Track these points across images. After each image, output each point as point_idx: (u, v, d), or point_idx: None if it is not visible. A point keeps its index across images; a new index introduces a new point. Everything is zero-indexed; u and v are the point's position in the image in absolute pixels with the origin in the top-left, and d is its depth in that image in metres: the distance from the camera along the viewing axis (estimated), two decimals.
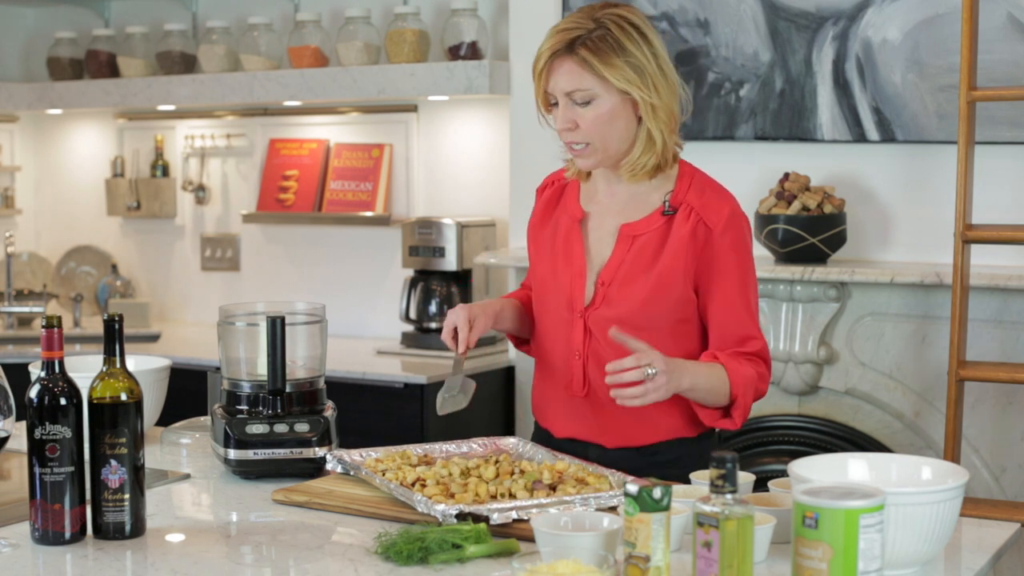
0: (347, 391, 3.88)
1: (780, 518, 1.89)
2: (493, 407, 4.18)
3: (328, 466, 2.33)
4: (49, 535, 1.99)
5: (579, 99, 2.29)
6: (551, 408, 2.49)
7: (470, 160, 4.55)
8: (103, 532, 2.01)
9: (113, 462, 2.00)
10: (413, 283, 4.34)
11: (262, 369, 2.46)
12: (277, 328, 2.40)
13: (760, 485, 2.17)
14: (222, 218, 5.08)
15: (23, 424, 2.02)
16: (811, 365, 3.69)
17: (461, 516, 1.97)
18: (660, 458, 2.39)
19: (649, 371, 2.15)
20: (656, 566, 1.67)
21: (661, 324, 2.35)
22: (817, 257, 3.64)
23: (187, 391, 3.10)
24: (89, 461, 2.01)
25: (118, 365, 2.01)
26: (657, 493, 1.67)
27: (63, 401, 1.98)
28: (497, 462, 2.27)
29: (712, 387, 2.29)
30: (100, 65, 5.02)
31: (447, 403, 2.40)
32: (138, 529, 2.03)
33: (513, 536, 1.96)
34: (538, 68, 2.32)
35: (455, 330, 2.41)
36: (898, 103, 3.63)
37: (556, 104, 2.34)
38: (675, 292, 2.34)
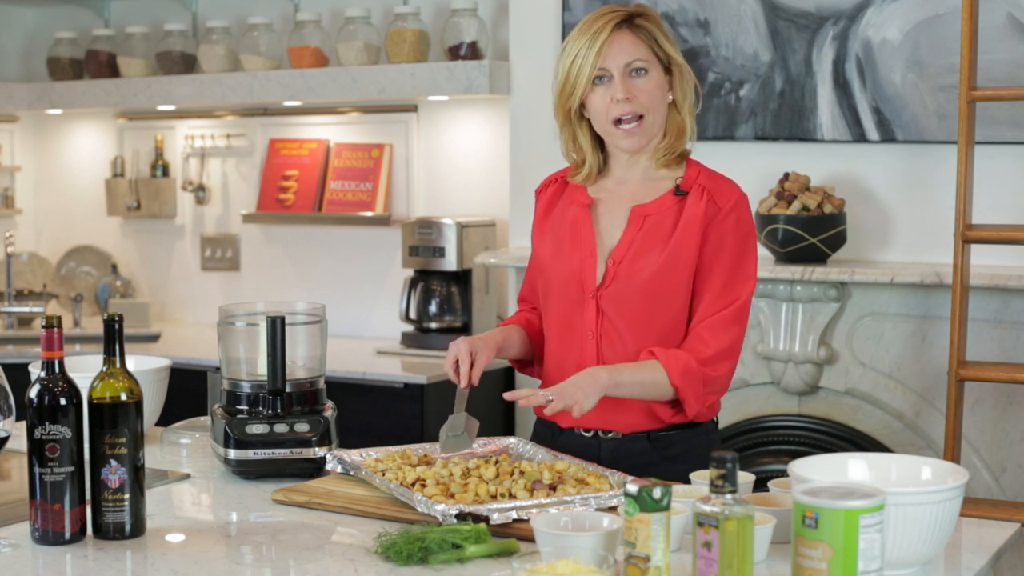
0: (347, 391, 3.88)
1: (780, 518, 1.89)
2: (493, 407, 4.17)
3: (328, 466, 2.33)
4: (49, 535, 1.98)
5: (637, 69, 2.38)
6: None
7: (470, 160, 4.55)
8: (103, 532, 2.01)
9: (113, 462, 2.00)
10: (413, 283, 4.34)
11: (262, 369, 2.46)
12: (277, 328, 2.40)
13: (760, 485, 2.17)
14: (222, 218, 5.08)
15: (23, 424, 2.02)
16: (811, 365, 3.69)
17: (461, 516, 1.97)
18: (672, 451, 2.41)
19: (550, 397, 2.26)
20: (656, 566, 1.67)
21: (671, 304, 2.38)
22: (817, 257, 3.64)
23: (187, 391, 3.10)
24: (89, 461, 2.01)
25: (118, 365, 2.01)
26: (657, 493, 1.67)
27: (63, 401, 1.98)
28: (497, 462, 2.27)
29: (644, 379, 2.33)
30: (100, 65, 5.02)
31: (450, 442, 2.36)
32: (138, 529, 2.03)
33: (513, 536, 1.96)
34: (598, 43, 2.37)
35: (456, 362, 2.41)
36: (898, 103, 3.63)
37: (602, 81, 2.39)
38: (684, 271, 2.38)
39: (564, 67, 2.42)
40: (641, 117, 2.39)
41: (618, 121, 2.39)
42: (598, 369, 2.31)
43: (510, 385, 4.22)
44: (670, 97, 2.43)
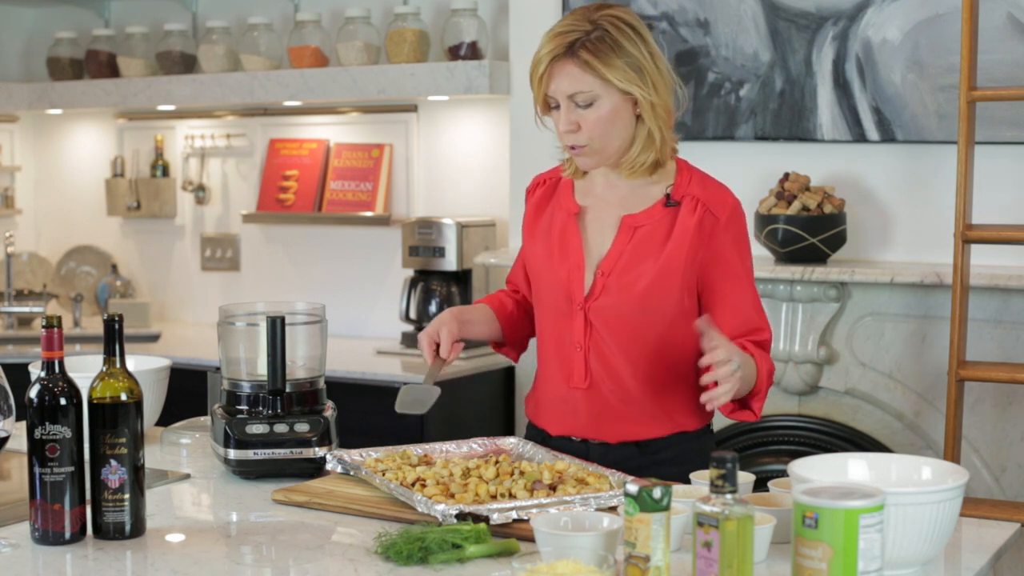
0: (347, 391, 3.88)
1: (780, 518, 1.89)
2: (493, 407, 4.17)
3: (328, 466, 2.33)
4: (49, 535, 1.99)
5: (581, 101, 2.30)
6: (548, 406, 2.49)
7: (470, 160, 4.55)
8: (103, 532, 2.01)
9: (113, 462, 2.00)
10: (413, 283, 4.34)
11: (262, 369, 2.45)
12: (277, 328, 2.40)
13: (760, 485, 2.17)
14: (222, 218, 5.08)
15: (23, 424, 2.02)
16: (811, 365, 3.68)
17: (461, 516, 1.97)
18: (661, 456, 2.40)
19: (734, 368, 2.13)
20: (656, 566, 1.67)
21: (661, 317, 2.36)
22: (817, 257, 3.64)
23: (187, 391, 3.10)
24: (89, 461, 2.01)
25: (118, 365, 2.01)
26: (657, 493, 1.67)
27: (63, 401, 1.98)
28: (497, 462, 2.27)
29: (747, 375, 2.28)
30: (100, 65, 5.03)
31: (405, 404, 2.37)
32: (138, 529, 2.03)
33: (513, 536, 1.96)
34: (538, 73, 2.32)
35: (436, 342, 2.42)
36: (898, 103, 3.63)
37: (556, 107, 2.34)
38: (676, 283, 2.35)
39: (529, 71, 2.37)
40: (588, 144, 2.33)
41: (570, 145, 2.35)
42: (737, 357, 2.21)
43: (510, 385, 4.21)
44: (637, 111, 2.33)
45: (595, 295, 2.38)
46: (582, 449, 2.43)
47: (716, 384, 2.16)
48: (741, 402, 2.36)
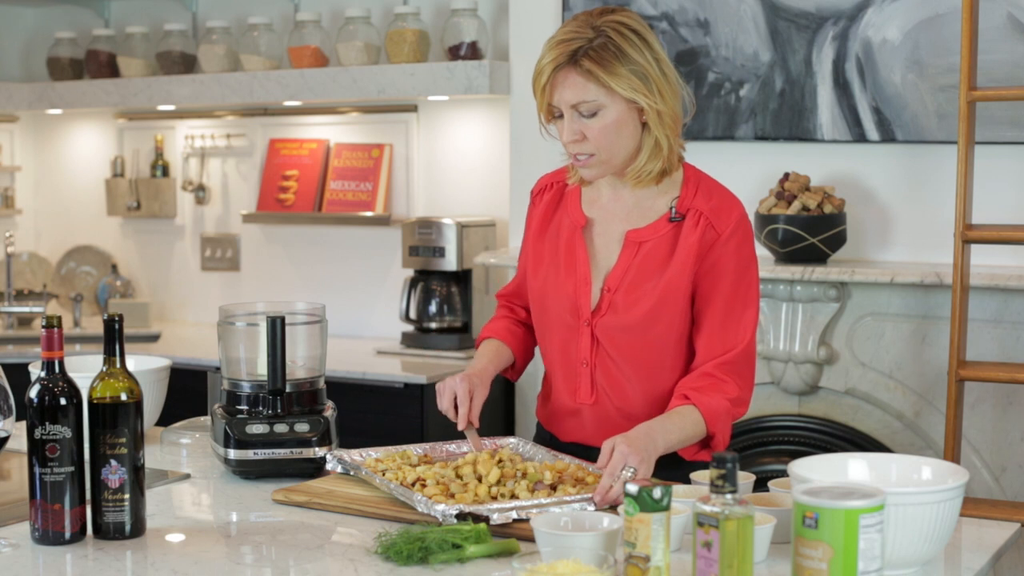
0: (347, 391, 3.88)
1: (780, 518, 1.89)
2: (493, 407, 4.17)
3: (328, 466, 2.33)
4: (49, 535, 1.99)
5: (585, 111, 2.25)
6: (557, 415, 2.47)
7: (470, 160, 4.55)
8: (103, 532, 2.01)
9: (113, 462, 2.00)
10: (413, 283, 4.34)
11: (262, 369, 2.46)
12: (277, 328, 2.40)
13: (760, 485, 2.17)
14: (222, 218, 5.08)
15: (23, 424, 2.02)
16: (811, 365, 3.68)
17: (461, 516, 1.98)
18: (663, 457, 2.39)
19: (627, 473, 2.08)
20: (656, 566, 1.67)
21: (667, 334, 2.33)
22: (817, 257, 3.64)
23: (187, 391, 3.10)
24: (89, 461, 2.01)
25: (118, 365, 2.01)
26: (657, 493, 1.67)
27: (63, 401, 1.98)
28: (500, 461, 2.26)
29: (688, 436, 2.25)
30: (100, 65, 5.03)
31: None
32: (138, 529, 2.03)
33: (513, 536, 1.96)
34: (541, 82, 2.26)
35: (455, 402, 2.39)
36: (898, 103, 3.63)
37: (560, 116, 2.29)
38: (681, 300, 2.31)
39: (532, 80, 2.32)
40: (594, 154, 2.28)
41: (575, 154, 2.30)
42: (653, 432, 2.18)
43: (511, 385, 4.22)
44: (643, 119, 2.27)
45: (601, 311, 2.35)
46: (589, 454, 2.42)
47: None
48: (702, 443, 2.32)
